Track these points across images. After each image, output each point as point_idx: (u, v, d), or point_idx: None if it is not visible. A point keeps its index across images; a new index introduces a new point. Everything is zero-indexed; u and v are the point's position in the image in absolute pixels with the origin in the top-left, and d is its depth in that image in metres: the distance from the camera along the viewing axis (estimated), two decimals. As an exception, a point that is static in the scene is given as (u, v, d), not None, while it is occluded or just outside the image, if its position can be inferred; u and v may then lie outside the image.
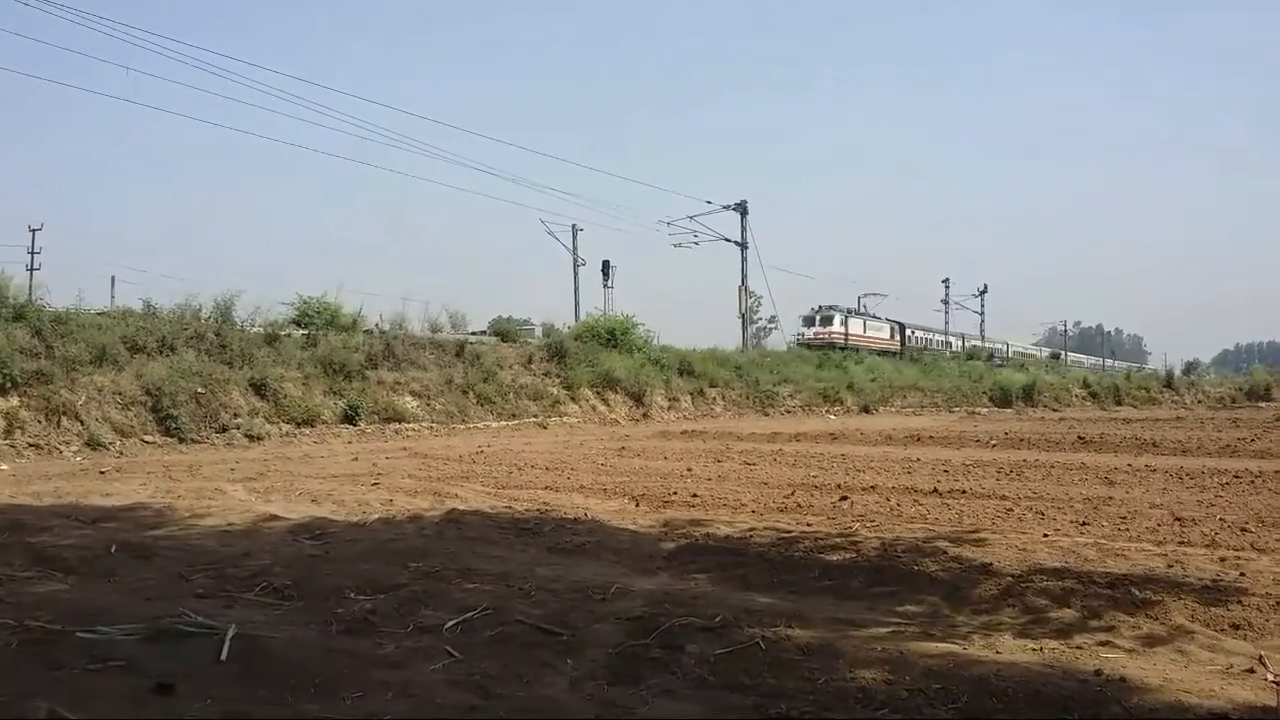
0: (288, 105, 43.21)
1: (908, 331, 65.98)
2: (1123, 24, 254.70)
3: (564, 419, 25.51)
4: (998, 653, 4.48)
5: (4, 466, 12.95)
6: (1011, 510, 9.41)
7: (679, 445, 18.62)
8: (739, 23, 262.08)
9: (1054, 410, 40.60)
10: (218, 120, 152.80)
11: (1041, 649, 4.56)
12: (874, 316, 62.50)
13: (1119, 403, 45.42)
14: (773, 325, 61.86)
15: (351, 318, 25.18)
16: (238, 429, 17.78)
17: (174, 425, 16.72)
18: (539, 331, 35.30)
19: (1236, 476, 12.28)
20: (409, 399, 22.33)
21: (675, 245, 46.32)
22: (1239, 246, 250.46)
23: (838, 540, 7.44)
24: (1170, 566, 6.45)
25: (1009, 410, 40.16)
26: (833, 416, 33.38)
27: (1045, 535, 7.83)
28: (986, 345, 77.28)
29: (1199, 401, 46.52)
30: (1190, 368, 65.03)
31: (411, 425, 21.42)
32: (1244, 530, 8.11)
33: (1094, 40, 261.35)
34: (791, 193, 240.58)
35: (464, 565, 6.39)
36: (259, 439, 17.77)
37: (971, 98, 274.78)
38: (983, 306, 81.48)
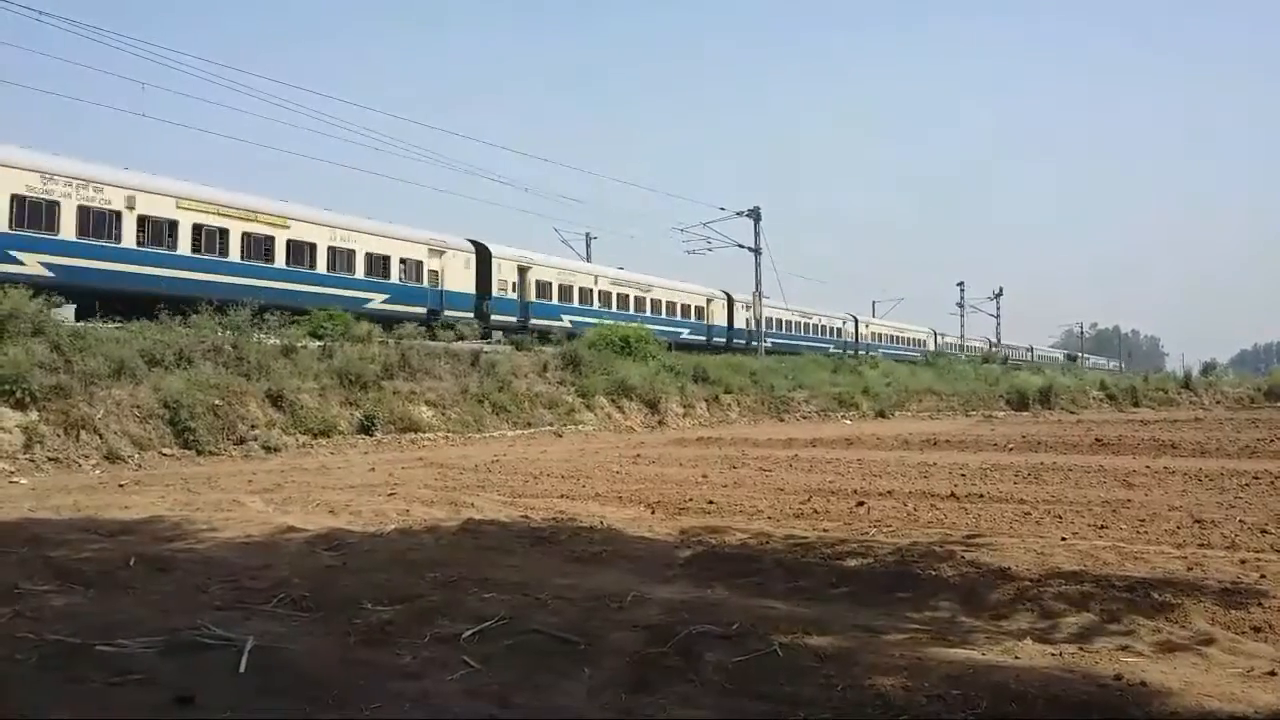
0: (296, 116, 43.61)
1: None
2: (1136, 24, 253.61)
3: (579, 427, 25.52)
4: (1016, 658, 4.46)
5: (23, 481, 13.03)
6: (1029, 514, 9.37)
7: (694, 452, 18.59)
8: (749, 25, 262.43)
9: (1071, 413, 40.34)
10: (233, 132, 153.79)
11: (1060, 653, 4.53)
12: None
13: (1136, 404, 45.11)
14: None
15: (368, 329, 25.25)
16: (255, 441, 17.85)
17: (192, 438, 16.79)
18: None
19: (1256, 478, 12.20)
20: (424, 409, 22.38)
21: (689, 252, 46.09)
22: (1256, 245, 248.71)
23: (855, 546, 7.42)
24: (1190, 569, 6.41)
25: (1026, 413, 39.91)
26: (848, 421, 33.27)
27: (1063, 539, 7.79)
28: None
29: (1217, 402, 46.14)
30: (1208, 368, 64.47)
31: (427, 435, 21.47)
32: (1264, 532, 8.06)
33: (1104, 41, 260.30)
34: (805, 198, 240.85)
35: (481, 575, 6.39)
36: (276, 450, 17.83)
37: (979, 98, 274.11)
38: (998, 309, 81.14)
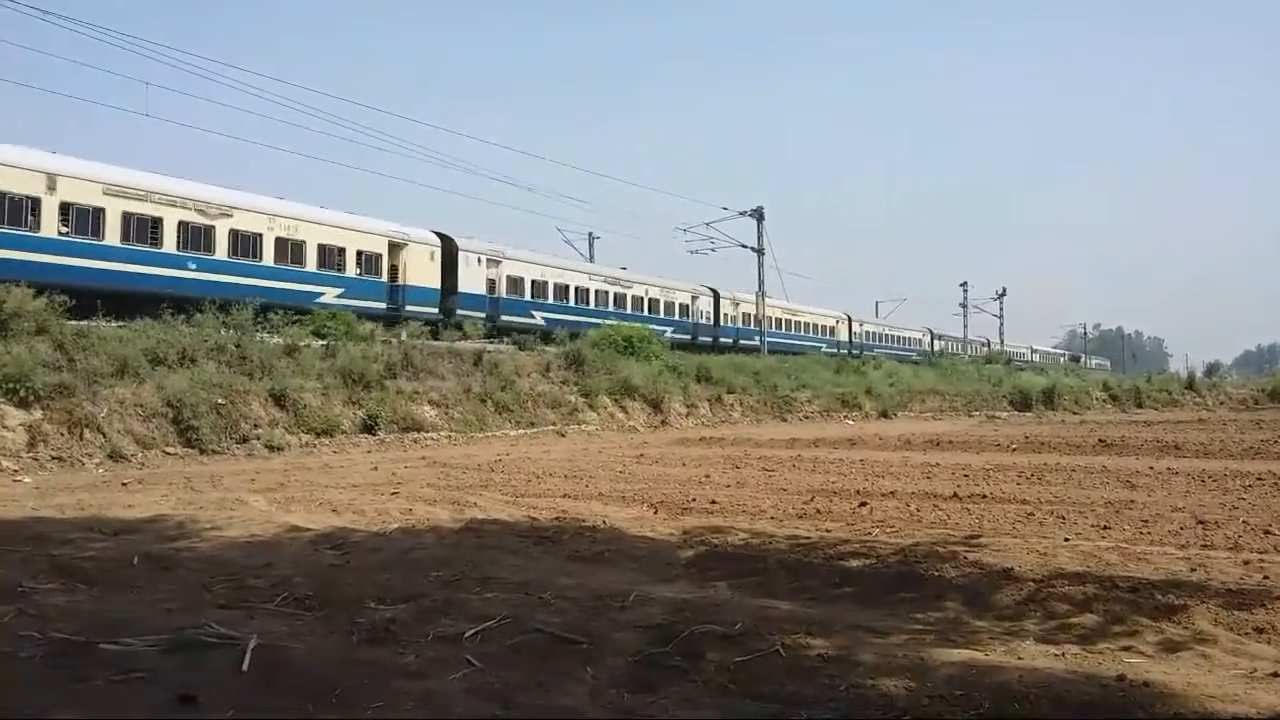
0: (298, 115, 43.64)
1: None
2: (1135, 22, 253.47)
3: (582, 427, 25.52)
4: (1020, 659, 4.45)
5: (27, 479, 13.06)
6: (1032, 515, 9.36)
7: (697, 452, 18.59)
8: (753, 27, 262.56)
9: (1074, 413, 40.27)
10: (235, 130, 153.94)
11: (1064, 655, 4.53)
12: None
13: (1140, 405, 45.00)
14: None
15: (371, 328, 25.25)
16: (258, 440, 17.88)
17: (195, 437, 16.83)
18: None
19: (1260, 479, 12.17)
20: (427, 408, 22.40)
21: (691, 252, 45.90)
22: (1260, 245, 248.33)
23: (857, 546, 7.41)
24: (1193, 570, 6.41)
25: (1029, 414, 39.84)
26: (851, 422, 33.24)
27: (1066, 539, 7.79)
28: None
29: (1221, 403, 45.96)
30: (1212, 369, 64.40)
31: (430, 434, 21.49)
32: (1268, 533, 8.05)
33: (1111, 42, 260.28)
34: (808, 198, 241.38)
35: (484, 574, 6.40)
36: (279, 449, 17.86)
37: (984, 99, 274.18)
38: (1001, 310, 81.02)
